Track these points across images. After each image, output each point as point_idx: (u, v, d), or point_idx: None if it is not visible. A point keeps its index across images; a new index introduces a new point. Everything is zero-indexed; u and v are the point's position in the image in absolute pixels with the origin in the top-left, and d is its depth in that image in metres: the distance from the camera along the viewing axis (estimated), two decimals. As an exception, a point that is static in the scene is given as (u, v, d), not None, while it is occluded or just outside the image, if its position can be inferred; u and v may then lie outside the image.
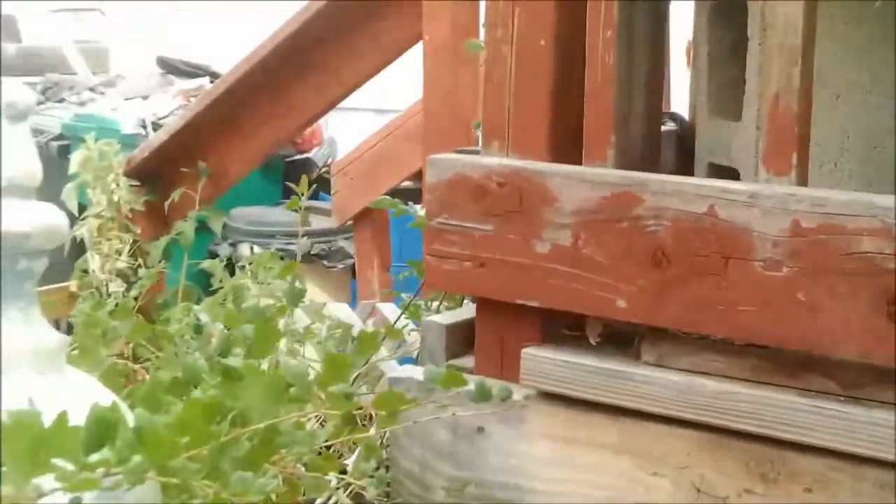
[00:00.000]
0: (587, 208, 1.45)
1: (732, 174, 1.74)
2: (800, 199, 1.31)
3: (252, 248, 4.06)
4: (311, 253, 4.10)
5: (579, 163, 1.53)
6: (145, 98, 5.09)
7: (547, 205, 1.48)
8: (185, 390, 1.31)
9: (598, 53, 1.53)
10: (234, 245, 4.19)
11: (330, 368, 1.37)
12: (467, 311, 1.63)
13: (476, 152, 1.63)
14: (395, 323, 2.04)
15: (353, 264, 3.90)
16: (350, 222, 3.81)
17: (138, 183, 3.23)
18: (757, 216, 1.33)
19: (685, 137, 2.07)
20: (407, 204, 2.50)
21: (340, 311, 2.56)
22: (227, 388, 1.20)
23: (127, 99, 5.16)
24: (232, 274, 2.45)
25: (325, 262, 4.12)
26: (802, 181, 1.39)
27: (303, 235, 2.51)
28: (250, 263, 2.24)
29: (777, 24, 1.39)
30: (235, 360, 1.29)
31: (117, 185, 3.06)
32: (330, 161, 4.74)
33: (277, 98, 3.37)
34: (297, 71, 3.33)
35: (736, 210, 1.34)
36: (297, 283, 1.87)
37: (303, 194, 2.17)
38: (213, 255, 4.16)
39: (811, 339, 1.29)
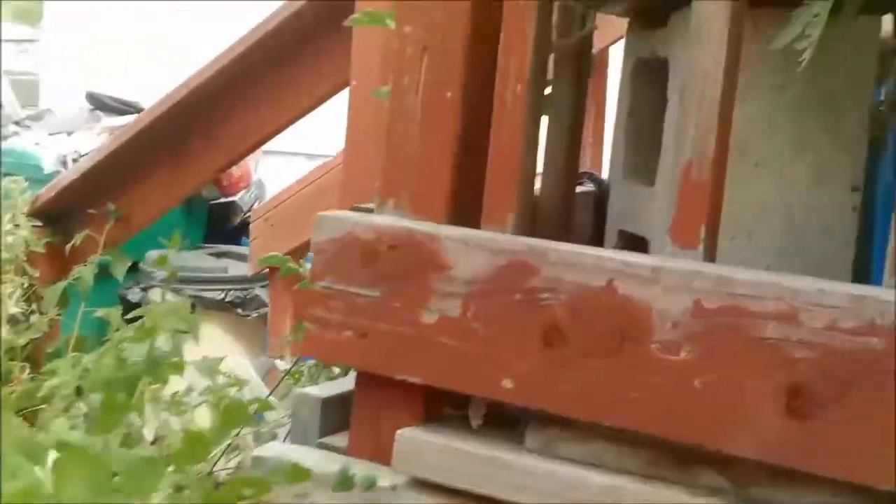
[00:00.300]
0: (481, 277, 1.33)
1: (643, 244, 1.64)
2: (704, 277, 1.20)
3: (164, 294, 3.90)
4: (226, 300, 3.96)
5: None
6: (70, 134, 4.93)
7: (439, 271, 1.36)
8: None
9: (507, 108, 1.42)
10: (145, 290, 4.03)
11: (187, 445, 1.24)
12: (348, 382, 1.49)
13: (372, 210, 1.51)
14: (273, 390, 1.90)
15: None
16: (266, 270, 3.69)
17: (41, 223, 3.09)
18: (658, 294, 1.22)
19: (603, 200, 1.97)
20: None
21: (238, 367, 2.42)
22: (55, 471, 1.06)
23: (52, 134, 4.99)
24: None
25: (239, 311, 3.97)
26: (710, 256, 1.28)
27: (192, 282, 2.37)
28: (138, 318, 2.09)
29: (695, 87, 1.28)
30: (77, 435, 1.16)
31: (16, 224, 2.91)
32: (257, 205, 4.62)
33: (194, 139, 3.27)
34: (218, 112, 3.24)
35: (637, 286, 1.23)
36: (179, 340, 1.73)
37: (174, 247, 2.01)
38: (124, 301, 4.00)
39: (705, 431, 1.17)
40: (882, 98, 1.67)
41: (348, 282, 1.41)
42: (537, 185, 1.81)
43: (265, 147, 3.78)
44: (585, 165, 3.25)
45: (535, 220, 1.75)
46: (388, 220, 1.42)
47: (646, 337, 1.21)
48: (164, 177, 3.29)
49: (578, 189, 2.00)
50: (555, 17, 1.73)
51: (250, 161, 4.72)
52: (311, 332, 1.43)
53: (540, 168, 1.82)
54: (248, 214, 4.68)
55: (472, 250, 1.34)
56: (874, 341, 1.10)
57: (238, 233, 4.75)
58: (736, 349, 1.16)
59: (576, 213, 1.90)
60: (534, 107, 1.44)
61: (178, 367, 1.98)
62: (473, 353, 1.31)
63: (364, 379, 1.42)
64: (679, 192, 1.29)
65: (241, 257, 4.24)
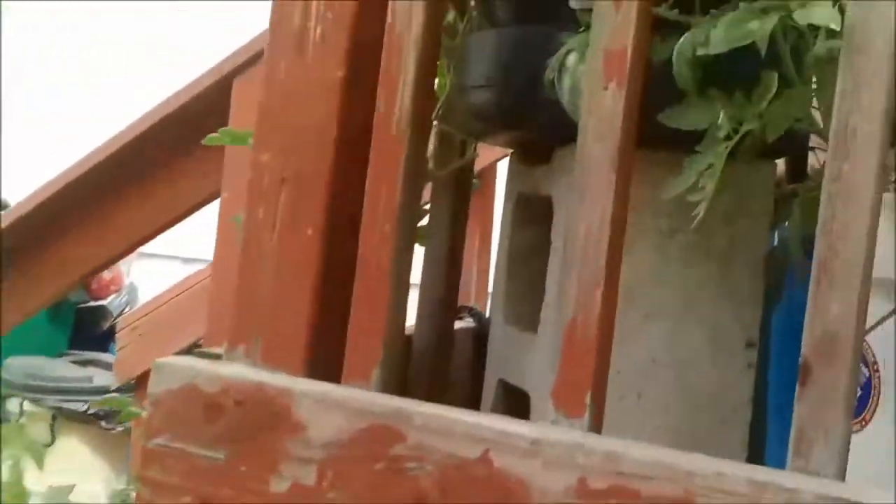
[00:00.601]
0: (339, 441, 1.17)
1: (526, 398, 1.51)
2: (588, 452, 1.06)
3: (22, 405, 3.68)
4: (89, 412, 3.74)
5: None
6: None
7: (292, 432, 1.20)
8: None
9: (373, 250, 1.27)
10: (3, 399, 3.80)
11: None
12: (191, 552, 1.31)
13: (220, 356, 1.34)
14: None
15: (132, 429, 3.56)
16: (133, 381, 3.48)
17: None
18: (538, 469, 1.08)
19: (484, 338, 1.84)
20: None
21: (93, 495, 2.22)
22: None
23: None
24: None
25: (103, 423, 3.76)
26: (597, 425, 1.14)
27: (54, 392, 2.18)
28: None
29: (578, 237, 1.16)
30: None
31: None
32: (128, 310, 4.43)
33: (55, 246, 3.11)
34: (80, 217, 3.09)
35: (515, 459, 1.09)
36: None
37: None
38: (-20, 412, 3.75)
39: None
40: (777, 243, 1.58)
41: (188, 440, 1.24)
42: (411, 320, 1.68)
43: (139, 249, 3.62)
44: (470, 290, 3.14)
45: (408, 365, 1.61)
46: (235, 371, 1.26)
47: (524, 521, 1.07)
48: (21, 284, 3.10)
49: (458, 325, 1.88)
50: (432, 144, 1.61)
51: (122, 264, 4.54)
52: (143, 498, 1.25)
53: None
54: (117, 320, 4.48)
55: (330, 409, 1.18)
56: (777, 539, 0.98)
57: (107, 338, 4.53)
58: (624, 543, 1.02)
59: (455, 352, 1.78)
60: (404, 246, 1.29)
61: (20, 498, 1.79)
62: (328, 532, 1.15)
63: (203, 556, 1.24)
64: (563, 351, 1.16)
65: (108, 366, 4.02)
